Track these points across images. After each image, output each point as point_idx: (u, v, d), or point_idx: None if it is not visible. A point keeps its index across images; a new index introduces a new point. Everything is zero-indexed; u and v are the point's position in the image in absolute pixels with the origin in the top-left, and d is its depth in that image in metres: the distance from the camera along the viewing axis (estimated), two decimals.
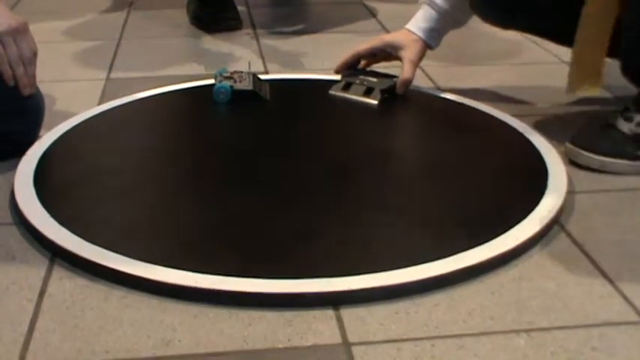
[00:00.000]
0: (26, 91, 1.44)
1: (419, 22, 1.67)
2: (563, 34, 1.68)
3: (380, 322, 1.00)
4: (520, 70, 1.91)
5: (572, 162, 1.41)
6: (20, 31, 1.46)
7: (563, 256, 1.15)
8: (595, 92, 1.50)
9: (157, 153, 1.45)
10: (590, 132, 1.43)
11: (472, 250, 1.11)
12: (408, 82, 1.67)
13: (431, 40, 1.68)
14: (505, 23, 1.69)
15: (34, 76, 1.47)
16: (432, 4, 1.66)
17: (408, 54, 1.67)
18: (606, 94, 1.67)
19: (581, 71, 1.49)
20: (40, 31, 2.20)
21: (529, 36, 2.06)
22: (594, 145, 1.40)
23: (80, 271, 1.10)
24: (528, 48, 2.05)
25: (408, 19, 1.71)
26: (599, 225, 1.23)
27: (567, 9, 1.52)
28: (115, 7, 2.51)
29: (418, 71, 1.70)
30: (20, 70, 1.43)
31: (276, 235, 1.17)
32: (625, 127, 1.39)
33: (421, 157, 1.41)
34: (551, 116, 1.63)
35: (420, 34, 1.67)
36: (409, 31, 1.68)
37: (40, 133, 1.48)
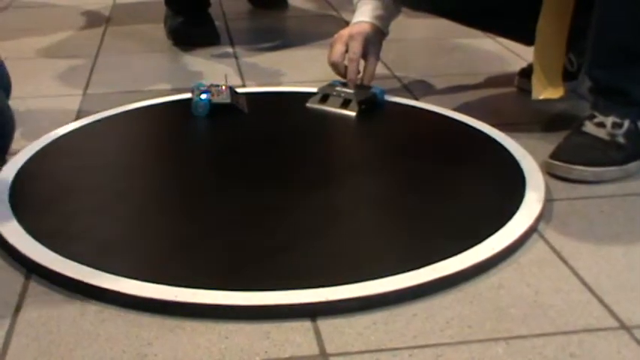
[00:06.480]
0: None
1: (372, 12, 1.69)
2: (472, 17, 1.71)
3: (358, 333, 0.99)
4: (496, 80, 1.91)
5: (560, 177, 1.39)
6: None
7: (542, 264, 1.14)
8: (559, 94, 1.51)
9: (134, 168, 1.44)
10: (572, 146, 1.41)
11: (450, 259, 1.11)
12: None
13: (385, 28, 1.71)
14: (415, 6, 1.75)
15: None
16: None
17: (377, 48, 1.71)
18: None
19: (543, 74, 1.50)
20: (16, 48, 2.20)
21: (505, 44, 2.07)
22: (582, 158, 1.38)
23: (56, 287, 1.09)
24: (503, 57, 2.06)
25: None
26: (577, 232, 1.23)
27: None
28: (91, 24, 2.51)
29: (396, 83, 1.70)
30: None
31: (252, 247, 1.16)
32: (601, 133, 1.39)
33: (398, 168, 1.41)
34: (529, 124, 1.63)
35: (377, 23, 1.69)
36: (366, 22, 1.69)
37: (16, 149, 1.47)
